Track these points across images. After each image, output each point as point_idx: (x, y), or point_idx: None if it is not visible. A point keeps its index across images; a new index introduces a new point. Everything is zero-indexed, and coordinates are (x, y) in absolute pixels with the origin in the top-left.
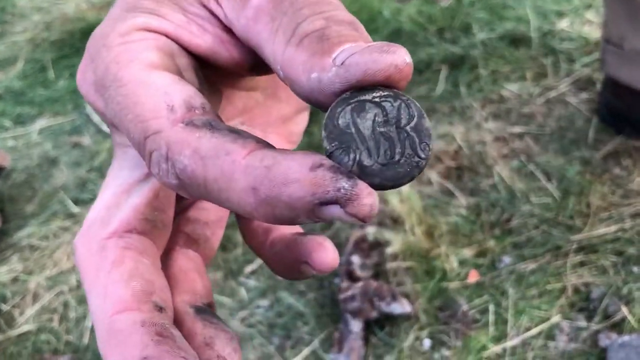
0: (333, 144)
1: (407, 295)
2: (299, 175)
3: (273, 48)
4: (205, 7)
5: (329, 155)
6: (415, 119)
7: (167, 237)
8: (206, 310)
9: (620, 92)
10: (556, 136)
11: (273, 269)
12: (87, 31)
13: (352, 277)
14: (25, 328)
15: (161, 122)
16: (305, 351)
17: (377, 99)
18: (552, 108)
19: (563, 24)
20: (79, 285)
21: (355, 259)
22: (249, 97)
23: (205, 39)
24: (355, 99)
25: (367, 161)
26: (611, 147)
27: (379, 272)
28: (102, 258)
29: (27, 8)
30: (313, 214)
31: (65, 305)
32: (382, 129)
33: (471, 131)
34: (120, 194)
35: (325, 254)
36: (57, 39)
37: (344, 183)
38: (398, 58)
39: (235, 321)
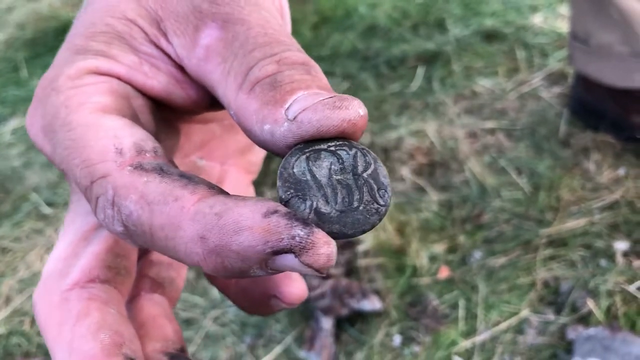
0: (289, 192)
1: (378, 292)
2: (251, 222)
3: (225, 92)
4: (156, 46)
5: (285, 204)
6: (372, 167)
7: (131, 283)
8: (180, 357)
9: (590, 87)
10: (527, 131)
11: (241, 306)
12: (61, 29)
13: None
14: None
15: (108, 166)
16: (277, 349)
17: (332, 148)
18: (524, 103)
19: (537, 19)
20: None
21: None
22: (206, 130)
23: (159, 80)
24: (310, 149)
25: (324, 208)
26: (582, 141)
27: (350, 270)
28: (65, 311)
29: None
30: (266, 265)
31: None
32: (338, 177)
33: (444, 127)
34: (78, 243)
35: (294, 285)
36: (31, 37)
37: (299, 230)
38: (351, 113)
39: (207, 320)
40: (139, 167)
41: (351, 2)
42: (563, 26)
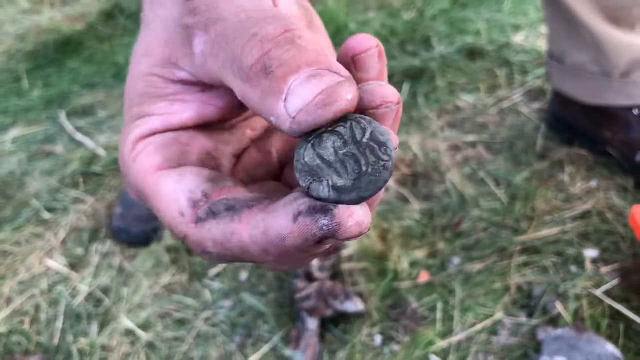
0: (307, 180)
1: (360, 295)
2: (288, 229)
3: (230, 84)
4: (172, 81)
5: (308, 190)
6: (368, 130)
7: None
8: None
9: (565, 103)
10: (507, 145)
11: None
12: (61, 42)
13: (311, 278)
14: None
15: (182, 229)
16: (265, 348)
17: (331, 128)
18: (504, 118)
19: (519, 38)
20: (50, 289)
21: (314, 261)
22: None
23: (191, 109)
24: (313, 135)
25: (340, 182)
26: (557, 155)
27: (335, 273)
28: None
29: (1, 20)
30: (317, 251)
31: (37, 308)
32: (343, 151)
33: (427, 140)
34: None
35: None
36: (32, 50)
37: (323, 221)
38: (341, 104)
39: (199, 321)
40: (199, 220)
41: (342, 20)
42: (543, 45)
